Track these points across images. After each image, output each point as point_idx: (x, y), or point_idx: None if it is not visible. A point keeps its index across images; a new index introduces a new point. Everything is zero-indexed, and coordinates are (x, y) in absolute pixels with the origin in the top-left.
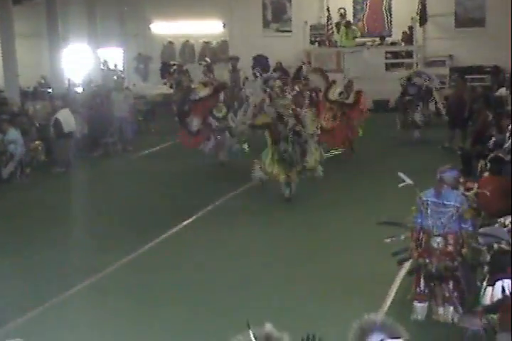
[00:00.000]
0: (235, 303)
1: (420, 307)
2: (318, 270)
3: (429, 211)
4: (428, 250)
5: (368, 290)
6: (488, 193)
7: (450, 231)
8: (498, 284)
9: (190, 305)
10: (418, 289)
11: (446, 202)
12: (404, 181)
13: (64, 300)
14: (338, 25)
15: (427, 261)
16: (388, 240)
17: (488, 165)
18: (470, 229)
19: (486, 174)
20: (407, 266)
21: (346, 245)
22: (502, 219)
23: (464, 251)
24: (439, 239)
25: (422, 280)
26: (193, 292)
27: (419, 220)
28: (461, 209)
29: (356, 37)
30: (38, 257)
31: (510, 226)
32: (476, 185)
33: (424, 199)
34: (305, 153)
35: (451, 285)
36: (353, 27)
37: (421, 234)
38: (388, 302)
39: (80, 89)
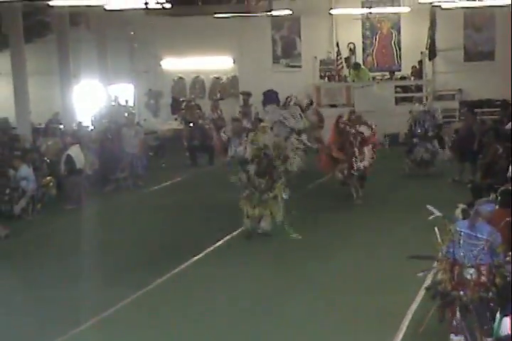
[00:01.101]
0: (246, 334)
1: (457, 339)
2: (329, 301)
3: (461, 242)
4: (462, 282)
5: (380, 323)
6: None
7: (482, 262)
8: None
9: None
10: (454, 322)
11: (479, 235)
12: (433, 213)
13: (74, 336)
14: (347, 60)
15: (462, 293)
16: (421, 274)
17: (499, 198)
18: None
19: (498, 207)
20: (417, 299)
21: (356, 279)
22: None
23: (498, 281)
24: (472, 271)
25: (457, 313)
26: (204, 328)
27: (452, 250)
28: (492, 242)
29: (368, 78)
30: (49, 293)
31: None
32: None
33: (458, 229)
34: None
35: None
36: (363, 67)
37: (453, 265)
38: (401, 335)
39: (91, 126)
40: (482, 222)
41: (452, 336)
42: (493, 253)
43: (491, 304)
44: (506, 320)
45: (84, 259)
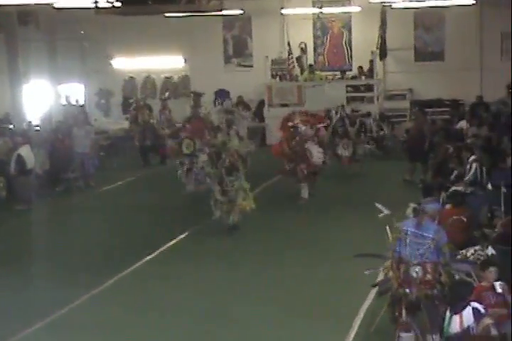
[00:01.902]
0: (199, 336)
1: (407, 337)
2: (281, 305)
3: (407, 241)
4: (407, 279)
5: (333, 322)
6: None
7: (428, 260)
8: (466, 311)
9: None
10: (401, 319)
11: (425, 234)
12: (382, 212)
13: (25, 337)
14: (298, 59)
15: (407, 290)
16: (367, 272)
17: (450, 197)
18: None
19: (448, 206)
20: (370, 297)
21: (309, 278)
22: (464, 251)
23: (444, 279)
24: (417, 268)
25: (403, 310)
26: (154, 328)
27: (398, 249)
28: (437, 240)
29: (321, 78)
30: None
31: (471, 257)
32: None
33: (404, 228)
34: None
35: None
36: (317, 72)
37: (399, 263)
38: (352, 334)
39: (41, 125)
40: (428, 220)
41: (401, 333)
42: (439, 252)
43: (436, 302)
44: (456, 317)
45: (35, 260)
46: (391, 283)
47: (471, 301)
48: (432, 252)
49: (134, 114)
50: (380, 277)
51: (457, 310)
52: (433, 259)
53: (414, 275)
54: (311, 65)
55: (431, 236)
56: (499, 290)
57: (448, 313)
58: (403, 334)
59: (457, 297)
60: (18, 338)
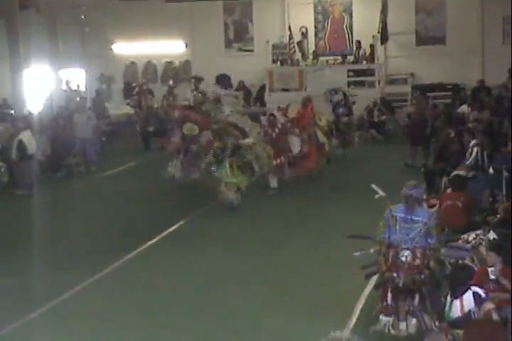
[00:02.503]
0: (198, 323)
1: (386, 320)
2: (283, 288)
3: (397, 226)
4: (396, 264)
5: (334, 306)
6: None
7: (418, 245)
8: (467, 295)
9: (152, 328)
10: (385, 303)
11: (414, 218)
12: (377, 193)
13: (25, 323)
14: (299, 44)
15: (395, 274)
16: (357, 253)
17: (451, 181)
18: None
19: (449, 190)
20: (373, 281)
21: (312, 261)
22: (465, 236)
23: (432, 264)
24: (406, 253)
25: (389, 294)
26: (155, 314)
27: (387, 235)
28: (428, 224)
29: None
30: (1, 280)
31: (473, 242)
32: (438, 201)
33: (394, 214)
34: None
35: (417, 299)
36: (321, 58)
37: (389, 248)
38: (354, 319)
39: (42, 110)
40: (416, 204)
41: (382, 316)
42: (428, 236)
43: (423, 287)
44: (456, 302)
45: (36, 246)
46: (379, 266)
47: (471, 285)
48: (421, 237)
49: (136, 99)
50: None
51: (457, 294)
52: (423, 244)
53: (403, 259)
54: (314, 51)
55: (420, 219)
56: (492, 276)
57: (448, 298)
58: (384, 318)
59: (457, 281)
60: (21, 323)
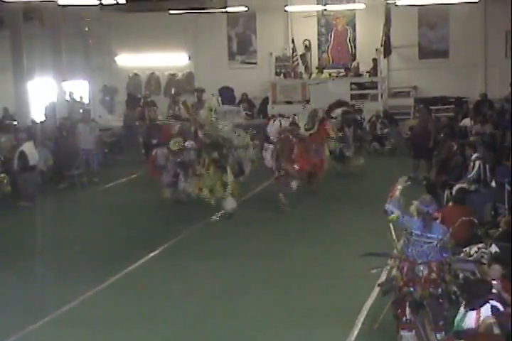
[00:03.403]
0: (198, 334)
1: (409, 336)
2: (284, 299)
3: (412, 241)
4: (412, 278)
5: (335, 318)
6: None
7: (433, 259)
8: (485, 308)
9: (154, 339)
10: (404, 318)
11: (429, 235)
12: (392, 213)
13: (28, 334)
14: (303, 56)
15: (412, 289)
16: (374, 271)
17: (453, 194)
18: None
19: (450, 204)
20: (375, 293)
21: (314, 272)
22: (467, 249)
23: (448, 278)
24: (422, 267)
25: (407, 309)
26: (157, 324)
27: (404, 249)
28: (444, 240)
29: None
30: (3, 291)
31: (475, 255)
32: (440, 214)
33: (409, 230)
34: None
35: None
36: (324, 71)
37: (405, 263)
38: (356, 331)
39: (45, 122)
40: (435, 222)
41: (404, 332)
42: (442, 250)
43: (441, 300)
44: (472, 313)
45: (39, 257)
46: (395, 282)
47: (490, 299)
48: (436, 251)
49: (140, 110)
50: (384, 275)
51: (475, 306)
52: (438, 258)
53: (420, 274)
54: (322, 67)
55: (435, 236)
56: (493, 290)
57: (462, 309)
58: (405, 334)
59: (475, 294)
60: (24, 333)
